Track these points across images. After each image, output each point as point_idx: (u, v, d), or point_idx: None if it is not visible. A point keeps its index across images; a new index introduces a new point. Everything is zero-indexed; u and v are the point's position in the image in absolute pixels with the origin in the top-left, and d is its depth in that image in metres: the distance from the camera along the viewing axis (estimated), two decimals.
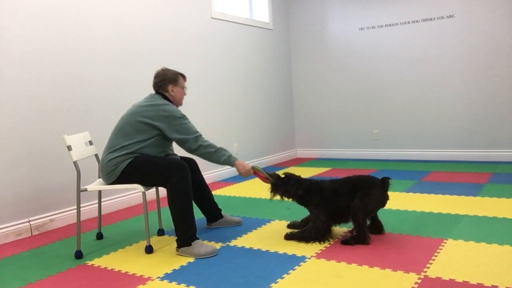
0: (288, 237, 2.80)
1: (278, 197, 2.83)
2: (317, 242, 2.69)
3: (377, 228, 2.80)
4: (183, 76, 2.92)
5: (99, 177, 2.98)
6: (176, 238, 2.65)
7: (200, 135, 2.75)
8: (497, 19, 5.00)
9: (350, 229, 2.80)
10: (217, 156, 2.74)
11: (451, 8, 5.24)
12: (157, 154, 2.76)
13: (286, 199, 2.84)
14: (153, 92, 2.89)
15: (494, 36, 5.04)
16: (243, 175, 2.83)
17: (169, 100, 2.83)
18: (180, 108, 4.52)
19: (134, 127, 2.70)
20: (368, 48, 5.81)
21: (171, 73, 2.86)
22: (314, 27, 6.18)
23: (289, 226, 3.06)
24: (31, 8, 3.29)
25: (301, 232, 2.76)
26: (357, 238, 2.63)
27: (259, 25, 5.73)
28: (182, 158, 3.00)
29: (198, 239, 2.66)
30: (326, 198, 2.71)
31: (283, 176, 2.84)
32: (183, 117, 2.74)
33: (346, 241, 2.65)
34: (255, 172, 2.83)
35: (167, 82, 2.83)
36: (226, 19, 5.15)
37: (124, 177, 2.67)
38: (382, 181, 2.68)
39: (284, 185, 2.80)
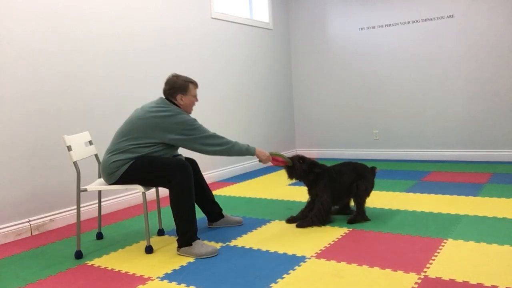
0: (299, 225, 3.03)
1: (293, 179, 3.06)
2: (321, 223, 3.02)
3: (347, 208, 3.25)
4: (194, 84, 2.85)
5: (99, 177, 2.98)
6: (177, 238, 2.65)
7: (215, 134, 2.75)
8: (497, 19, 5.00)
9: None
10: (237, 148, 2.79)
11: (451, 8, 5.24)
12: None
13: (297, 180, 3.08)
14: (162, 95, 2.84)
15: (494, 36, 5.04)
16: (264, 162, 2.95)
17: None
18: None
19: (144, 133, 2.67)
20: (368, 48, 5.80)
21: (181, 82, 2.79)
22: (314, 27, 6.18)
23: (288, 221, 3.16)
24: (31, 7, 3.29)
25: (310, 217, 3.01)
26: (361, 216, 3.05)
27: (259, 25, 5.73)
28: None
29: (199, 239, 2.66)
30: (333, 178, 3.03)
31: (297, 158, 3.06)
32: (195, 122, 2.73)
33: (353, 220, 3.03)
34: (273, 158, 2.99)
35: (176, 91, 2.78)
36: (226, 19, 5.15)
37: (126, 178, 2.66)
38: (372, 169, 3.14)
39: (301, 166, 3.01)
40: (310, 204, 3.12)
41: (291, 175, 3.04)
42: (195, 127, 2.71)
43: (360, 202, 3.05)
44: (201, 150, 2.73)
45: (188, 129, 2.68)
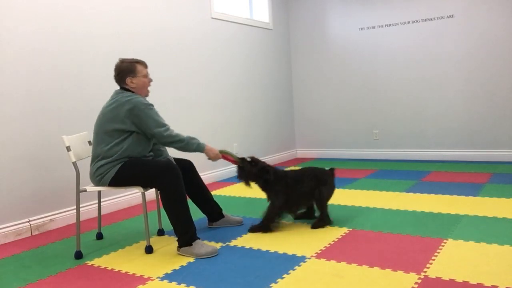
0: (251, 229, 2.99)
1: (243, 181, 2.97)
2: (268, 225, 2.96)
3: (312, 213, 3.20)
4: (142, 63, 2.74)
5: None
6: (177, 238, 2.65)
7: (169, 128, 2.67)
8: (497, 19, 5.00)
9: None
10: (188, 146, 2.70)
11: (451, 8, 5.24)
12: (139, 153, 2.70)
13: (251, 183, 2.99)
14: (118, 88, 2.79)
15: (494, 36, 5.04)
16: (212, 160, 2.83)
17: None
18: (179, 105, 4.55)
19: (107, 132, 2.64)
20: (368, 48, 5.80)
21: (127, 64, 2.70)
22: (314, 27, 6.18)
23: (250, 230, 3.07)
24: (31, 7, 3.29)
25: (262, 221, 2.97)
26: (323, 220, 3.00)
27: (259, 25, 5.73)
28: (179, 159, 2.98)
29: (199, 239, 2.66)
30: (289, 185, 2.95)
31: (249, 160, 2.97)
32: (150, 107, 2.62)
33: (317, 225, 2.99)
34: (223, 156, 2.90)
35: (124, 75, 2.69)
36: (226, 19, 5.15)
37: (115, 183, 2.66)
38: (331, 171, 3.09)
39: (251, 169, 2.94)
40: None
41: (240, 177, 2.95)
42: (148, 113, 2.60)
43: (323, 206, 2.99)
44: (157, 139, 2.66)
45: (140, 115, 2.59)
